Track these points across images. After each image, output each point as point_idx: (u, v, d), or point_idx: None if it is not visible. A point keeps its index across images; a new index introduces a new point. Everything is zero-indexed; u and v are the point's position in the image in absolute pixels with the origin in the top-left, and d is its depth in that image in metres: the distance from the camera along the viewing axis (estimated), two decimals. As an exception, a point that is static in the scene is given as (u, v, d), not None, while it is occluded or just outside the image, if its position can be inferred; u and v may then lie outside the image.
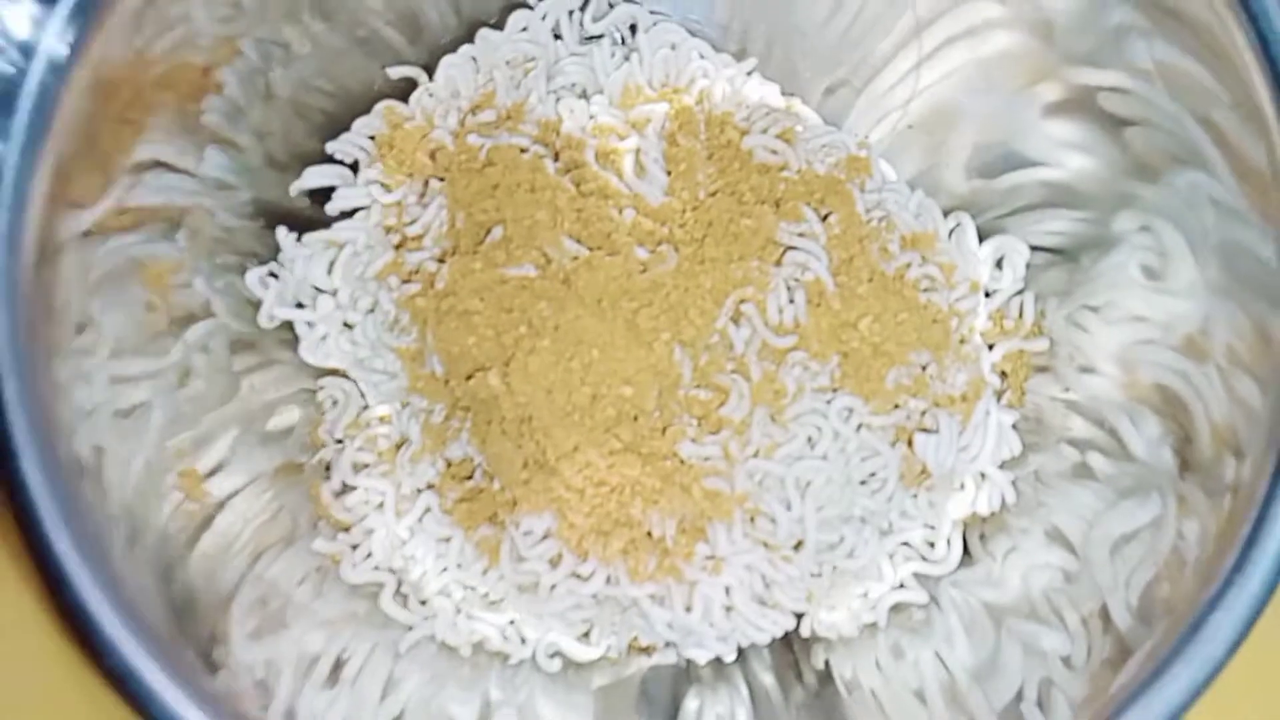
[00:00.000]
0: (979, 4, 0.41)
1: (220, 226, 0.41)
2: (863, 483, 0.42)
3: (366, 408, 0.43)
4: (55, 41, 0.33)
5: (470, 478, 0.41)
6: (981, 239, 0.45)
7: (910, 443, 0.42)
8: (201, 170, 0.39)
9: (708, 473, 0.40)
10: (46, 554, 0.31)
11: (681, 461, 0.40)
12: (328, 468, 0.43)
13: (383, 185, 0.43)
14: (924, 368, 0.42)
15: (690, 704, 0.41)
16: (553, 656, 0.42)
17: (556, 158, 0.43)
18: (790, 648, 0.43)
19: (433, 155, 0.43)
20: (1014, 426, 0.44)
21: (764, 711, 0.41)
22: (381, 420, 0.43)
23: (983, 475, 0.43)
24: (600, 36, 0.46)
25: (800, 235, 0.42)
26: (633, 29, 0.46)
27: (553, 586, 0.40)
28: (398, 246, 0.42)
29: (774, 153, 0.43)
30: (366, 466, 0.42)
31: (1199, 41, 0.35)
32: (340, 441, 0.43)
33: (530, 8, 0.45)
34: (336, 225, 0.44)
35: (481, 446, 0.40)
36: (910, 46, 0.43)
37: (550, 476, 0.39)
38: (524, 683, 0.41)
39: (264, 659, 0.36)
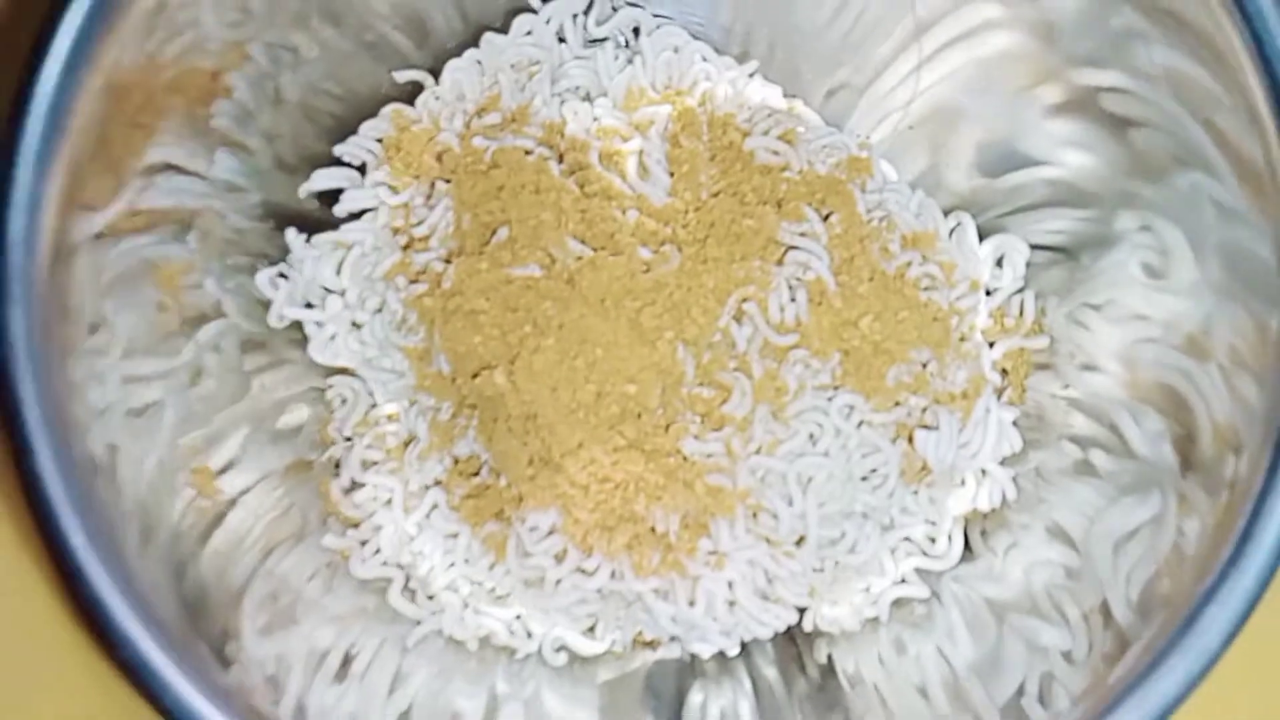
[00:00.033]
0: (979, 6, 0.41)
1: (231, 228, 0.41)
2: (864, 479, 0.42)
3: (375, 406, 0.43)
4: (68, 46, 0.33)
5: (477, 474, 0.41)
6: (982, 238, 0.45)
7: (911, 439, 0.42)
8: (212, 173, 0.40)
9: (710, 469, 0.40)
10: (62, 550, 0.32)
11: (684, 458, 0.40)
12: (337, 465, 0.43)
13: (390, 187, 0.44)
14: (924, 365, 0.42)
15: (695, 697, 0.42)
16: (558, 651, 0.42)
17: (561, 160, 0.43)
18: (793, 642, 0.43)
19: (439, 157, 0.43)
20: (1015, 423, 0.44)
21: (767, 705, 0.41)
22: (389, 418, 0.43)
23: (983, 471, 0.43)
24: (604, 40, 0.46)
25: (802, 235, 0.42)
26: (636, 32, 0.46)
27: (558, 581, 0.40)
28: (405, 247, 0.43)
29: (776, 154, 0.43)
30: (375, 464, 0.43)
31: (1199, 44, 0.35)
32: (349, 439, 0.43)
33: (535, 12, 0.45)
34: (345, 227, 0.44)
35: (488, 444, 0.40)
36: (911, 49, 0.43)
37: (555, 473, 0.39)
38: (530, 677, 0.42)
39: (275, 654, 0.36)
